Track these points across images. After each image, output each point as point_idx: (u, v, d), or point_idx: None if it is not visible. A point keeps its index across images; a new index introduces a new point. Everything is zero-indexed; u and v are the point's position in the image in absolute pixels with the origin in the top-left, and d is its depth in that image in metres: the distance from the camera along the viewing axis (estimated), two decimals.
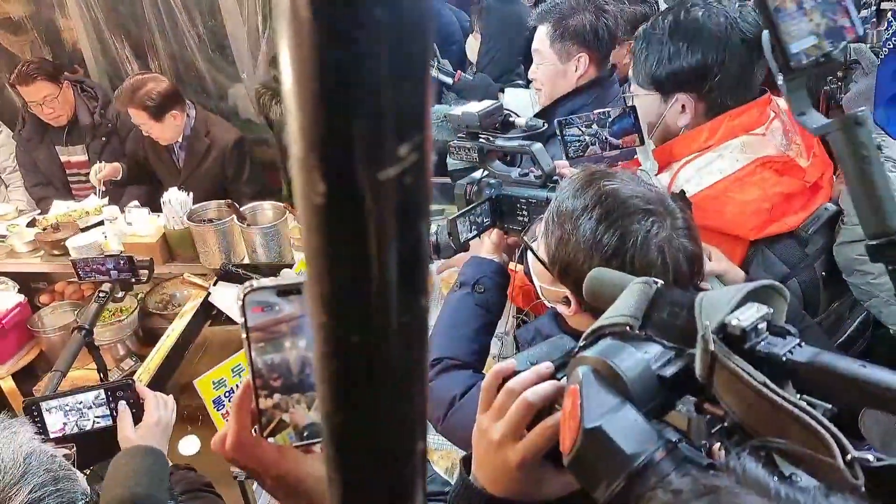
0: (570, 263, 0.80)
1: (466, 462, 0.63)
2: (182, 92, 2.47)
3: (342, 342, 0.22)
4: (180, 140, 2.49)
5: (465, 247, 1.16)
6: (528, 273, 0.99)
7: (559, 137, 1.15)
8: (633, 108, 1.15)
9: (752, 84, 1.10)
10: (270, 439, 0.49)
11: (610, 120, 1.13)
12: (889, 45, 1.21)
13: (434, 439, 1.39)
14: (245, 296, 0.47)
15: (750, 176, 1.04)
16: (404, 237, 0.21)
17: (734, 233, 1.05)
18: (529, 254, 0.94)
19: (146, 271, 1.56)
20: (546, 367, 0.58)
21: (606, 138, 1.13)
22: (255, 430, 0.49)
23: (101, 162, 2.50)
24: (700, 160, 1.10)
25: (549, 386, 0.56)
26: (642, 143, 1.16)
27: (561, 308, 0.89)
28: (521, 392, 0.56)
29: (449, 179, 1.66)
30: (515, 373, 0.59)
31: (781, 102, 1.14)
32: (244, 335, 0.47)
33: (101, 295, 1.53)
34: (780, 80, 0.73)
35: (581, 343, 0.52)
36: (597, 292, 0.60)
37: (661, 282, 0.52)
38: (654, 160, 1.21)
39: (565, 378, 0.56)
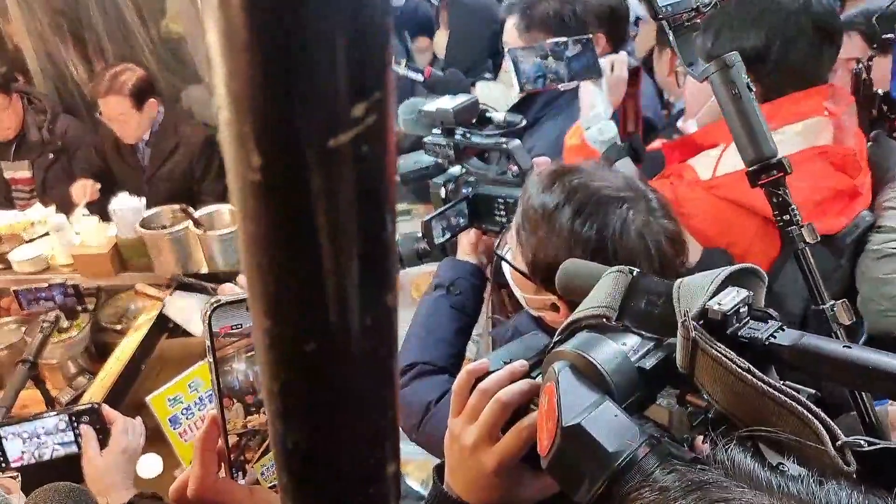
0: (552, 267, 0.78)
1: (439, 470, 0.60)
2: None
3: (292, 351, 0.19)
4: (146, 137, 2.40)
5: (440, 250, 1.13)
6: (505, 285, 0.95)
7: (512, 70, 1.12)
8: (589, 40, 1.11)
9: (817, 74, 1.04)
10: (262, 463, 0.44)
11: (568, 55, 1.09)
12: None
13: (408, 449, 1.35)
14: (210, 314, 0.41)
15: (805, 163, 0.96)
16: (365, 221, 0.17)
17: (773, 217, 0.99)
18: (505, 265, 0.90)
19: (93, 298, 1.48)
20: (520, 364, 0.55)
21: (562, 70, 1.10)
22: (226, 473, 0.44)
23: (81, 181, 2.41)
24: None
25: (524, 384, 0.53)
26: (599, 75, 1.12)
27: (549, 315, 0.85)
28: (494, 392, 0.53)
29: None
30: (488, 373, 0.56)
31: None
32: (210, 359, 0.41)
33: (45, 325, 1.45)
34: (670, 35, 0.80)
35: (556, 338, 0.50)
36: (570, 284, 0.57)
37: (637, 270, 0.50)
38: (608, 103, 1.18)
39: (541, 376, 0.53)
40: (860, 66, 1.18)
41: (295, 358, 0.19)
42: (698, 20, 0.82)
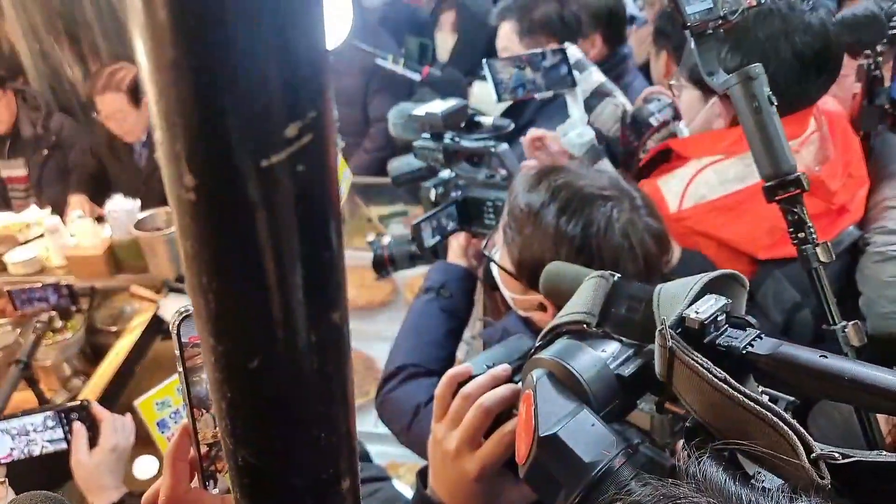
0: (538, 266, 0.78)
1: (423, 474, 0.59)
2: None
3: (237, 368, 0.18)
4: (144, 139, 2.41)
5: (431, 252, 1.13)
6: (495, 286, 0.95)
7: (489, 80, 1.12)
8: (563, 50, 1.12)
9: (801, 101, 1.01)
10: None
11: (545, 65, 1.10)
12: None
13: (399, 451, 1.35)
14: (179, 323, 0.41)
15: None
16: (307, 238, 0.17)
17: (743, 249, 0.99)
18: (493, 265, 0.90)
19: (87, 299, 1.48)
20: (503, 369, 0.55)
21: (539, 80, 1.11)
22: (195, 483, 0.44)
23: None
24: (724, 164, 1.01)
25: (506, 390, 0.53)
26: (574, 85, 1.13)
27: (536, 315, 0.85)
28: (477, 398, 0.53)
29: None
30: (471, 377, 0.56)
31: (830, 103, 1.07)
32: (180, 369, 0.42)
33: (38, 325, 1.45)
34: (691, 44, 0.80)
35: (537, 343, 0.50)
36: (554, 288, 0.57)
37: (618, 275, 0.50)
38: (584, 111, 1.18)
39: (521, 381, 0.53)
40: (870, 60, 1.16)
41: (240, 375, 0.18)
42: (721, 30, 0.81)
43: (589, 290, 0.49)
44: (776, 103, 0.77)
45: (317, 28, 0.15)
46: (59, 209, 2.47)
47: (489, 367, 0.55)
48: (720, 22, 0.78)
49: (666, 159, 1.15)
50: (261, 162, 0.15)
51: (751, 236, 0.98)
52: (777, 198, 0.77)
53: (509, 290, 0.89)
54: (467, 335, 1.19)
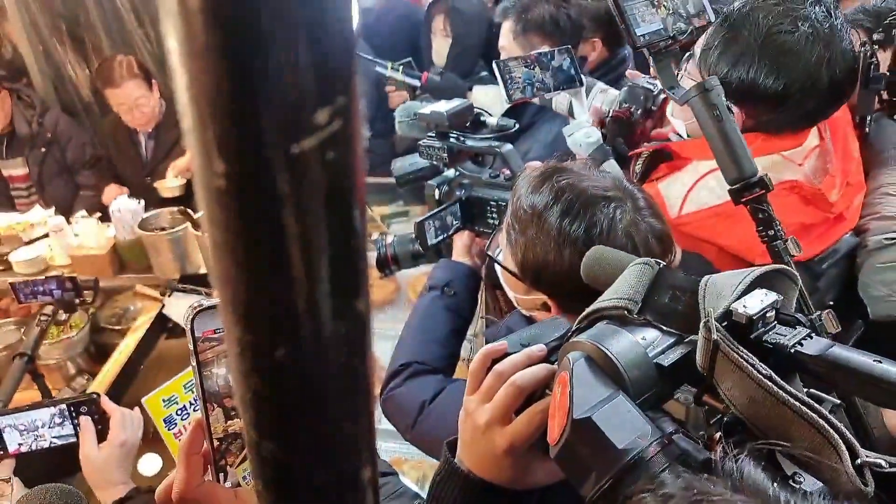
0: (541, 267, 0.77)
1: (451, 445, 0.59)
2: None
3: (263, 359, 0.18)
4: (150, 130, 2.40)
5: (434, 251, 1.13)
6: (497, 284, 0.95)
7: (499, 80, 1.13)
8: (569, 49, 1.13)
9: (814, 119, 1.01)
10: (244, 466, 0.44)
11: (554, 64, 1.12)
12: None
13: (403, 448, 1.35)
14: (193, 318, 0.41)
15: (773, 198, 0.93)
16: (333, 226, 0.17)
17: (741, 255, 0.99)
18: (497, 266, 0.90)
19: (91, 292, 1.48)
20: (538, 349, 0.55)
21: (547, 80, 1.13)
22: (208, 476, 0.44)
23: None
24: None
25: (540, 369, 0.52)
26: (581, 84, 1.14)
27: (540, 314, 0.85)
28: (510, 375, 0.53)
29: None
30: (506, 355, 0.55)
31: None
32: (194, 362, 0.42)
33: (42, 318, 1.44)
34: (650, 61, 0.81)
35: (575, 326, 0.49)
36: (595, 273, 0.56)
37: (663, 263, 0.49)
38: (588, 114, 1.19)
39: (557, 363, 0.52)
40: (866, 48, 1.16)
41: (265, 366, 0.18)
42: (675, 47, 0.82)
43: (632, 276, 0.48)
44: (734, 111, 0.79)
45: (346, 13, 0.15)
46: (63, 206, 2.47)
47: (524, 346, 0.55)
48: (670, 42, 0.80)
49: (666, 158, 1.15)
50: (291, 148, 0.15)
51: (747, 242, 0.98)
52: (743, 199, 0.78)
53: (513, 290, 0.89)
54: (469, 333, 1.19)
